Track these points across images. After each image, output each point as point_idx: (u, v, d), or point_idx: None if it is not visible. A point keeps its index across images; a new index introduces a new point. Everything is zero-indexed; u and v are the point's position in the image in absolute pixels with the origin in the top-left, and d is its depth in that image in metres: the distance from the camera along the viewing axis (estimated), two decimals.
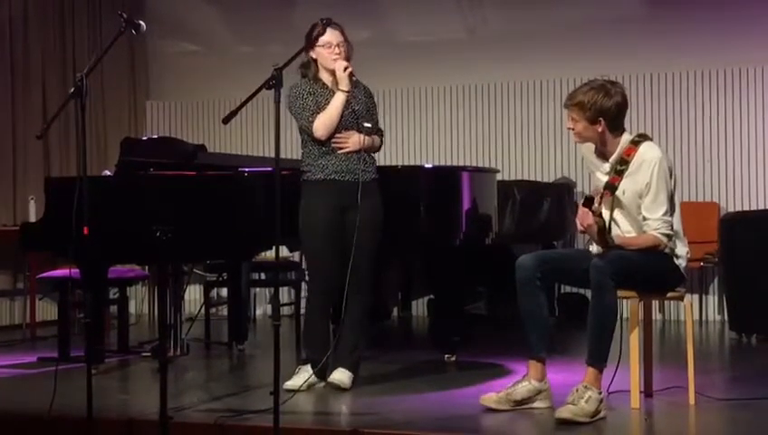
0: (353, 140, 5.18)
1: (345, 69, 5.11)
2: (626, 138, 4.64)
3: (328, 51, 5.15)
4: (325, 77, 5.23)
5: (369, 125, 5.22)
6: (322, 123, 5.14)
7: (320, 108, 5.17)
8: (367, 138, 5.21)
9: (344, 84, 5.13)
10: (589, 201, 4.52)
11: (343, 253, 5.16)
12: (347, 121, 5.20)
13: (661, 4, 8.76)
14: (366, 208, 5.16)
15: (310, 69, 5.23)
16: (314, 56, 5.20)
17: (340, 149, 5.18)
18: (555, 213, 7.92)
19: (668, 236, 4.57)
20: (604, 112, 4.55)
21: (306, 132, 5.21)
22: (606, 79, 4.66)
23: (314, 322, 5.31)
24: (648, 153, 4.58)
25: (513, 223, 7.62)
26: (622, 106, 4.61)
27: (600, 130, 4.58)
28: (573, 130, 4.64)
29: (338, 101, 5.14)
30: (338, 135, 5.17)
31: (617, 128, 4.62)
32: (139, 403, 4.92)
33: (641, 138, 4.65)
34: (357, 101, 5.25)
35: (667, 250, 4.61)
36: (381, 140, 5.40)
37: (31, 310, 8.13)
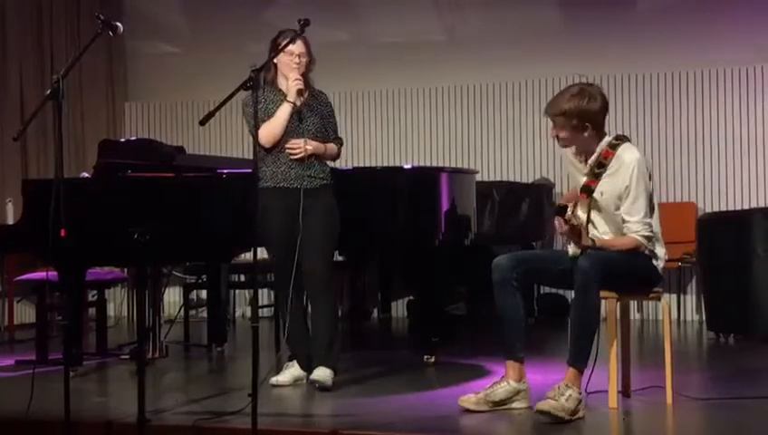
0: (303, 146, 5.25)
1: (294, 81, 5.22)
2: (606, 139, 4.66)
3: (288, 58, 5.25)
4: (282, 83, 5.33)
5: (312, 145, 5.27)
6: (267, 132, 5.25)
7: (269, 115, 5.27)
8: (315, 144, 5.27)
9: (290, 96, 5.24)
10: (560, 210, 4.55)
11: (302, 256, 5.24)
12: (294, 129, 5.26)
13: (640, 5, 8.80)
14: (315, 214, 5.23)
15: (269, 72, 5.32)
16: (275, 61, 5.29)
17: (293, 156, 5.25)
18: (534, 214, 7.95)
19: (648, 238, 4.60)
20: (590, 118, 4.55)
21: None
22: (583, 82, 4.67)
23: (290, 320, 5.36)
24: (627, 155, 4.58)
25: (493, 224, 7.64)
26: (604, 108, 4.62)
27: (587, 135, 4.59)
28: (558, 136, 4.63)
29: (283, 111, 5.25)
30: (291, 142, 5.25)
31: (600, 130, 4.63)
32: (118, 406, 4.90)
33: (620, 139, 4.66)
34: (310, 109, 5.31)
35: (647, 251, 4.63)
36: (339, 149, 5.47)
37: (9, 312, 8.10)
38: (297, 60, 5.25)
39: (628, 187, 4.56)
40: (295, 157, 5.26)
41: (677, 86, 8.71)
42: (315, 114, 5.35)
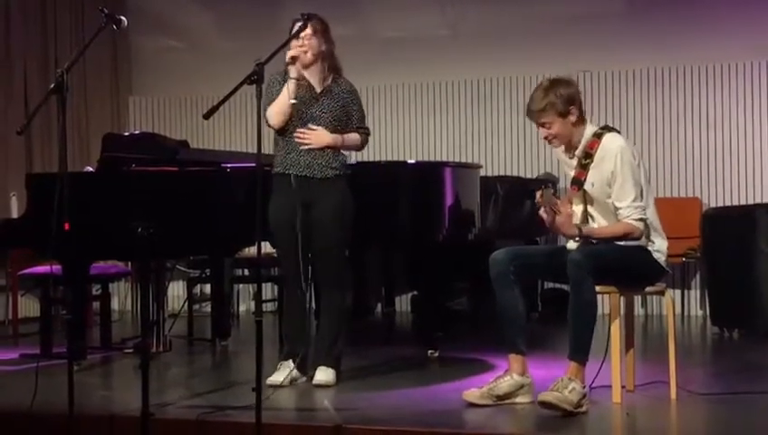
0: (315, 138, 5.15)
1: (290, 57, 5.09)
2: (589, 129, 4.68)
3: (294, 42, 5.15)
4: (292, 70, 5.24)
5: (326, 140, 5.15)
6: (272, 112, 5.13)
7: (272, 100, 5.17)
8: (331, 137, 5.16)
9: (290, 72, 5.11)
10: (533, 195, 4.62)
11: (310, 249, 5.20)
12: (306, 114, 5.17)
13: (644, 1, 8.78)
14: (327, 206, 5.15)
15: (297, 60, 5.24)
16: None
17: (303, 144, 5.16)
18: (538, 209, 7.91)
19: (642, 220, 4.59)
20: (572, 99, 4.61)
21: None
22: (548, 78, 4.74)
23: (290, 315, 5.36)
24: (611, 143, 4.62)
25: (496, 219, 7.63)
26: (579, 91, 4.69)
27: (573, 119, 4.62)
28: (548, 136, 4.67)
29: (284, 89, 5.11)
30: (300, 130, 5.16)
31: (582, 114, 4.67)
32: (121, 400, 4.91)
33: (604, 129, 4.68)
34: (329, 95, 5.20)
35: (642, 241, 4.63)
36: (363, 139, 5.34)
37: (13, 306, 8.10)
38: (301, 42, 5.12)
39: (614, 172, 4.57)
40: (310, 147, 5.15)
41: (683, 81, 8.69)
42: (335, 101, 5.22)
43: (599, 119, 8.21)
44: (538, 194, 4.61)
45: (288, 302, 5.39)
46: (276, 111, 5.15)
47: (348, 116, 5.28)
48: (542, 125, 4.66)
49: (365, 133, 5.37)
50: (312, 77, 5.23)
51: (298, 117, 5.19)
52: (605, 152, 4.60)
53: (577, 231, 4.60)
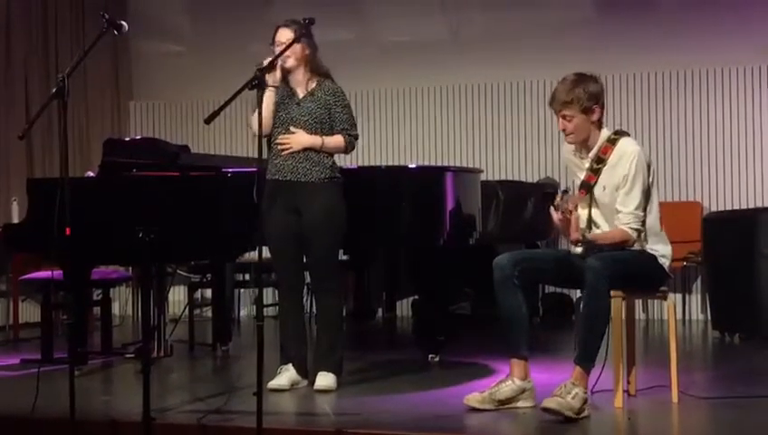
0: (294, 140, 5.16)
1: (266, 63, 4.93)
2: (604, 133, 4.67)
3: (278, 49, 5.10)
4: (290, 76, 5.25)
5: (304, 141, 5.14)
6: (252, 119, 4.96)
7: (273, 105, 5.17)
8: (307, 139, 5.15)
9: (267, 80, 4.98)
10: (549, 197, 4.58)
11: (302, 254, 5.21)
12: (285, 118, 5.18)
13: (645, 5, 8.79)
14: (315, 212, 5.14)
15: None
16: None
17: (284, 149, 5.17)
18: (539, 213, 7.93)
19: (637, 230, 4.59)
20: (597, 97, 4.60)
21: None
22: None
23: (285, 320, 5.36)
24: (628, 147, 4.61)
25: (498, 223, 7.63)
26: (603, 92, 4.68)
27: (595, 117, 4.61)
28: (566, 130, 4.64)
29: (264, 99, 4.87)
30: (281, 136, 5.18)
31: (602, 113, 4.66)
32: (123, 404, 4.90)
33: (618, 134, 4.67)
34: (311, 98, 5.20)
35: (636, 246, 4.62)
36: (348, 141, 5.23)
37: (14, 311, 8.10)
38: (277, 49, 5.09)
39: (626, 176, 4.56)
40: (291, 151, 5.16)
41: (684, 85, 8.70)
42: (316, 104, 5.20)
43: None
44: (558, 197, 4.59)
45: (284, 307, 5.39)
46: (255, 119, 4.82)
47: (331, 119, 5.23)
48: (563, 117, 4.63)
49: (350, 136, 5.27)
50: (296, 82, 5.24)
51: (280, 123, 5.20)
52: (620, 156, 4.58)
53: (581, 236, 4.59)
